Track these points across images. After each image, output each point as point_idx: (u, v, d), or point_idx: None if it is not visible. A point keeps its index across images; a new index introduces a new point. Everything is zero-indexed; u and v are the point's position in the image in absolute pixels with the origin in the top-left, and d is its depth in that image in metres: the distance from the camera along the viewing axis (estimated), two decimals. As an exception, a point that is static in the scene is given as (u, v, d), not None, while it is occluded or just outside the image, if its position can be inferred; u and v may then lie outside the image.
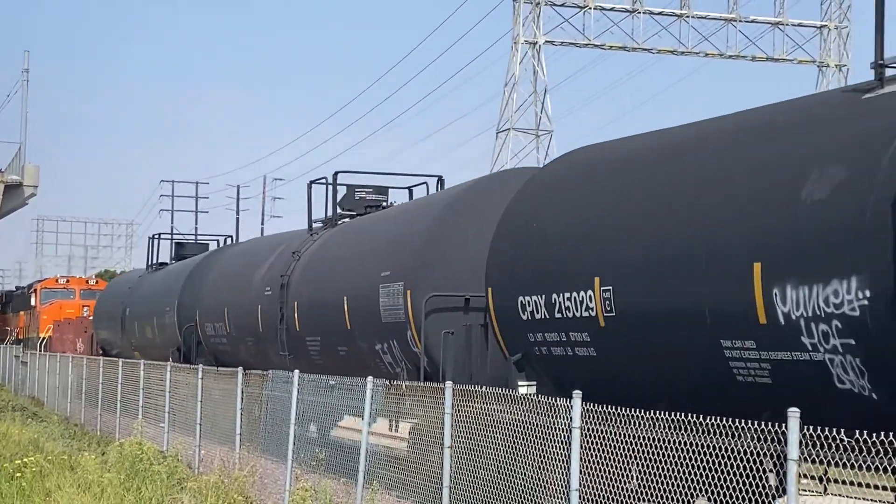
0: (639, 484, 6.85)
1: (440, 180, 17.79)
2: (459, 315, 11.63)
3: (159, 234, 37.97)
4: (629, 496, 6.68)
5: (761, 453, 5.59)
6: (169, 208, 79.76)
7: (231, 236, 36.55)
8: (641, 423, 6.12)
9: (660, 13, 50.64)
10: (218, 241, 36.12)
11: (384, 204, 18.27)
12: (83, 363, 26.55)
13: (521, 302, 9.40)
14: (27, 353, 43.37)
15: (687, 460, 5.90)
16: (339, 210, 18.70)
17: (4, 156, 38.75)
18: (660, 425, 5.91)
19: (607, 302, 7.93)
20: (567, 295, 8.54)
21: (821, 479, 6.72)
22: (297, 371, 12.76)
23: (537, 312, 9.13)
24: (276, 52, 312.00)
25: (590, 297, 8.18)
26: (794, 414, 4.00)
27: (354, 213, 18.31)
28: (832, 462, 4.83)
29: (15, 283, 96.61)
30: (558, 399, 7.00)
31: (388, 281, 12.95)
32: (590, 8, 49.58)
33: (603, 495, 6.71)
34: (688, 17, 49.78)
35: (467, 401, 8.33)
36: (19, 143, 38.97)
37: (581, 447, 6.58)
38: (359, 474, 10.22)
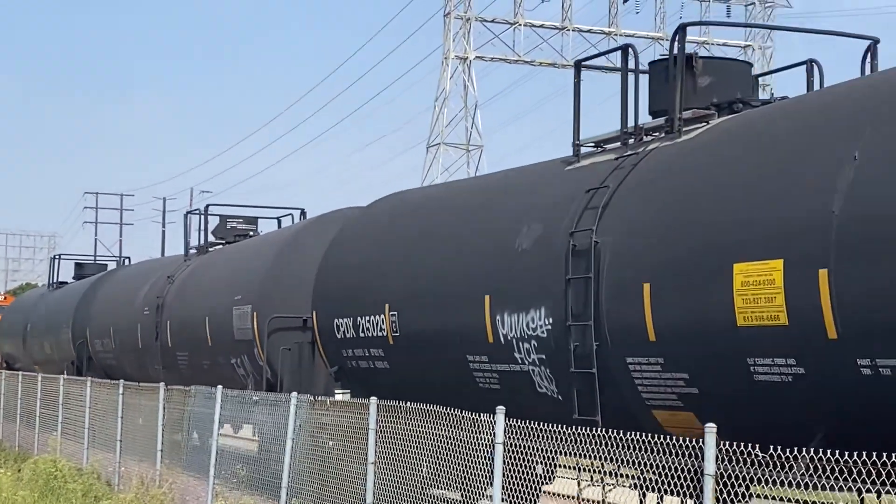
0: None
1: (303, 213, 19.22)
2: (298, 333, 13.29)
3: (60, 255, 38.40)
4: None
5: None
6: (93, 220, 76.31)
7: (128, 258, 36.80)
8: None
9: (588, 31, 50.34)
10: (118, 261, 36.98)
11: (251, 233, 19.52)
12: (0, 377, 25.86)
13: (337, 323, 11.02)
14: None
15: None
16: (212, 238, 19.80)
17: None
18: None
19: (394, 324, 9.66)
20: (367, 318, 10.20)
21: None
22: (219, 387, 12.33)
23: (348, 332, 10.78)
24: (203, 64, 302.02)
25: (382, 320, 9.87)
26: (710, 430, 3.91)
27: (224, 242, 19.63)
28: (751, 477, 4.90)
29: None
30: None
31: (239, 304, 14.69)
32: (520, 24, 49.23)
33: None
34: (615, 35, 49.04)
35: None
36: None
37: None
38: (282, 490, 9.85)
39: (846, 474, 3.68)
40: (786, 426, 5.14)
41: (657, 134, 7.66)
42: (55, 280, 35.13)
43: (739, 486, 4.88)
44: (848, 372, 4.22)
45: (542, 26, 49.71)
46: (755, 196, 5.39)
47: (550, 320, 7.24)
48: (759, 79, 12.64)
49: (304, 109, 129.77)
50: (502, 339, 8.01)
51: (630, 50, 8.05)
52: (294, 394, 10.22)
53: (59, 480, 13.26)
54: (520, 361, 7.88)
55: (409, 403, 7.94)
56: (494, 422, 6.19)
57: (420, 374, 9.81)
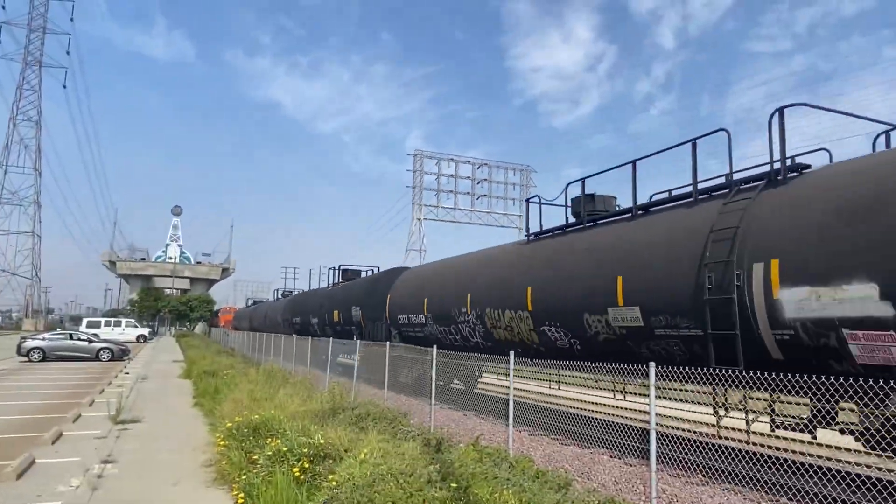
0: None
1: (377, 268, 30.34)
2: (380, 322, 25.23)
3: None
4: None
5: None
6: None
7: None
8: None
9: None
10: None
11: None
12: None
13: (399, 316, 22.87)
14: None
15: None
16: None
17: None
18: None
19: (428, 314, 21.63)
20: (413, 314, 22.15)
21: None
22: (331, 339, 20.34)
23: (404, 319, 22.54)
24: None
25: (422, 313, 21.85)
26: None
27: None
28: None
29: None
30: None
31: (354, 307, 26.49)
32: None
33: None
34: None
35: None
36: None
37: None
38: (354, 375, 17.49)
39: None
40: None
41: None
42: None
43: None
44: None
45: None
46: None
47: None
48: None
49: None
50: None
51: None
52: (359, 341, 18.65)
53: (273, 373, 19.38)
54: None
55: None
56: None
57: (444, 338, 19.25)
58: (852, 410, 7.28)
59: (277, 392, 13.58)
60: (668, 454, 9.02)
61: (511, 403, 9.90)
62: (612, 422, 11.29)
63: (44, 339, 33.29)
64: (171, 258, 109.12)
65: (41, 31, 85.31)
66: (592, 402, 17.03)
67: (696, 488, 8.04)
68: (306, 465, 6.87)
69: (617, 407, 16.72)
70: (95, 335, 37.91)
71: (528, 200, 15.40)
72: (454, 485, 5.21)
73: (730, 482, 8.17)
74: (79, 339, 33.49)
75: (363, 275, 30.02)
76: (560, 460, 9.58)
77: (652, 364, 6.90)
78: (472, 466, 6.23)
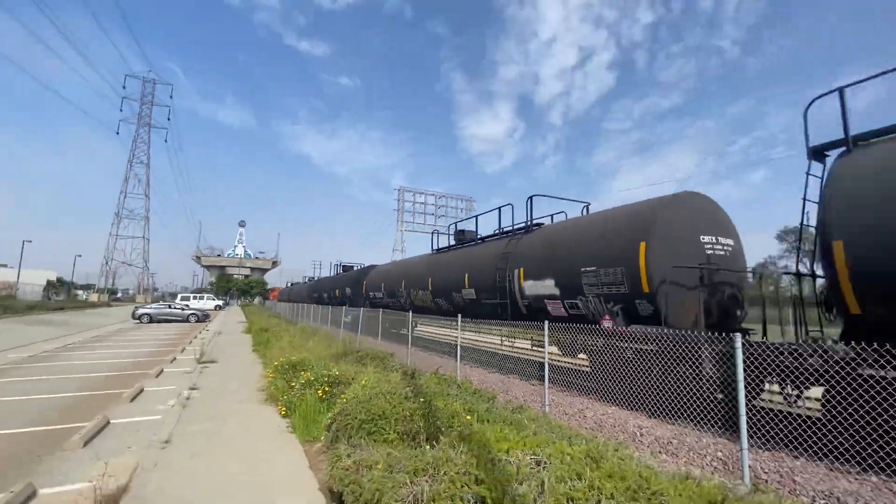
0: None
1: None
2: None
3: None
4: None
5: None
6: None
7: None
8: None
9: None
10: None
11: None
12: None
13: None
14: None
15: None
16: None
17: None
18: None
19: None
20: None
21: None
22: (344, 307, 19.65)
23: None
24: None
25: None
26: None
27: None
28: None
29: None
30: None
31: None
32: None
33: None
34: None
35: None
36: None
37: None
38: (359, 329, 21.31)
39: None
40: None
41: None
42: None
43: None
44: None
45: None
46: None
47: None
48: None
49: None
50: (434, 293, 20.07)
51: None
52: (362, 308, 21.67)
53: (304, 330, 17.96)
54: (438, 299, 19.91)
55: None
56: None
57: (391, 304, 21.26)
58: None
59: (307, 342, 13.28)
60: (529, 372, 10.32)
61: (459, 347, 9.94)
62: (520, 357, 11.59)
63: (150, 308, 31.82)
64: (237, 255, 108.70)
65: (150, 103, 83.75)
66: (501, 344, 17.21)
67: (566, 397, 8.24)
68: (327, 388, 6.77)
69: (517, 347, 16.89)
70: (186, 305, 36.41)
71: (433, 233, 17.94)
72: (422, 399, 5.21)
73: (563, 387, 8.42)
74: (175, 308, 32.11)
75: (354, 268, 31.32)
76: (488, 383, 9.66)
77: (546, 322, 7.06)
78: (434, 388, 6.25)
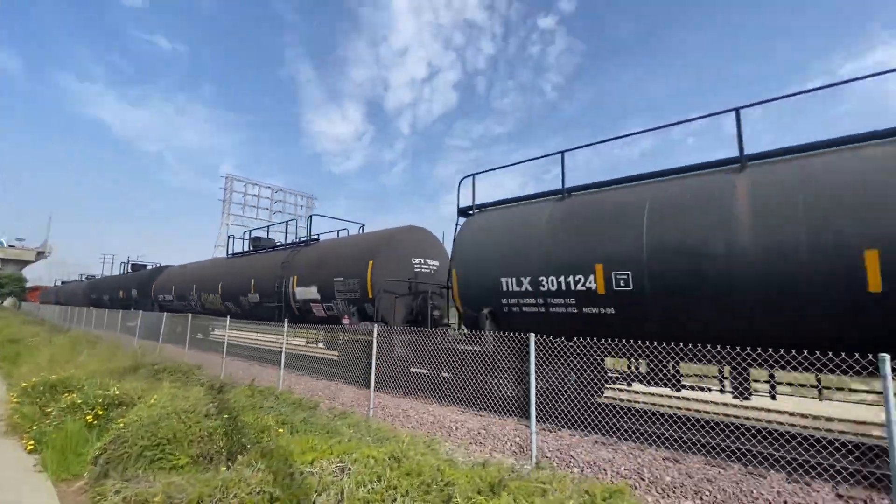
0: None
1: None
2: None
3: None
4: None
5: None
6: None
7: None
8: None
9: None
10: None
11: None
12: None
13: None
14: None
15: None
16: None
17: None
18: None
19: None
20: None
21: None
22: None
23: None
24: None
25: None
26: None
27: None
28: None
29: None
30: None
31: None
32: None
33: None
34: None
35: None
36: None
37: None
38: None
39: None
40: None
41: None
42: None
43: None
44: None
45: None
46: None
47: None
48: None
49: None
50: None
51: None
52: (155, 312, 18.75)
53: (78, 339, 14.08)
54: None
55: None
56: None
57: (182, 308, 18.93)
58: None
59: (79, 355, 10.61)
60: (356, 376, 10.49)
61: (283, 354, 9.27)
62: (344, 362, 11.45)
63: None
64: (-20, 241, 79.70)
65: None
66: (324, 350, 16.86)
67: (393, 398, 8.44)
68: (100, 412, 5.49)
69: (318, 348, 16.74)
70: None
71: (229, 237, 18.26)
72: (226, 416, 4.65)
73: (403, 392, 8.81)
74: None
75: (147, 267, 28.73)
76: (315, 390, 9.23)
77: (345, 318, 7.48)
78: (244, 401, 5.64)
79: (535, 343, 5.70)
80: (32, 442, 5.28)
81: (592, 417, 6.58)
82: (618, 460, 5.12)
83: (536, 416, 5.62)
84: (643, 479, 4.56)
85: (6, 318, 30.28)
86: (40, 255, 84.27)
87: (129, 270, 29.95)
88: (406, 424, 6.73)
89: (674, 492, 4.29)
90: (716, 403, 8.85)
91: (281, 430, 4.41)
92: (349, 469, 2.62)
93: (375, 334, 7.30)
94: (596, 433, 6.25)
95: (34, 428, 5.54)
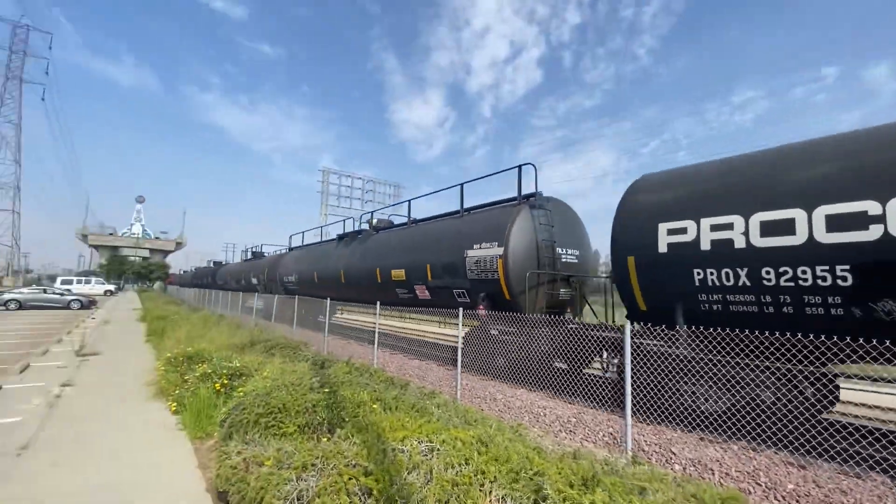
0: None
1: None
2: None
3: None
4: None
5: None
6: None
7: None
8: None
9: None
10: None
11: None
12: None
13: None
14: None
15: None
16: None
17: None
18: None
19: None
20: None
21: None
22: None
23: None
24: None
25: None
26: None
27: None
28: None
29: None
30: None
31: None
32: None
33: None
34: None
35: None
36: None
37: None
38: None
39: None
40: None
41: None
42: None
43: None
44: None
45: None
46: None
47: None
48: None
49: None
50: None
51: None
52: (276, 295, 20.66)
53: (208, 318, 16.34)
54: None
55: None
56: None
57: (306, 291, 20.52)
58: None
59: (209, 331, 12.30)
60: (446, 357, 10.13)
61: (377, 333, 9.83)
62: (438, 343, 11.73)
63: (20, 292, 27.42)
64: (135, 234, 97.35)
65: (22, 53, 70.70)
66: (424, 331, 17.39)
67: (480, 381, 8.52)
68: (225, 381, 6.31)
69: (440, 333, 17.18)
70: (68, 290, 31.90)
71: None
72: (328, 389, 5.05)
73: (491, 376, 8.79)
74: (53, 293, 28.02)
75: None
76: (407, 369, 9.67)
77: (460, 308, 7.19)
78: (343, 377, 6.09)
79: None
80: (175, 404, 6.25)
81: (701, 418, 5.96)
82: (727, 460, 4.62)
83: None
84: (759, 484, 4.06)
85: (154, 299, 36.26)
86: (179, 245, 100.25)
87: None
88: (493, 408, 6.76)
89: (798, 502, 3.76)
90: (854, 404, 7.59)
91: (375, 405, 4.69)
92: (437, 449, 2.68)
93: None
94: (701, 430, 5.70)
95: (176, 392, 6.54)
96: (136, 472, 4.31)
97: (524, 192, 9.14)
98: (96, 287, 49.45)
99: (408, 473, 2.37)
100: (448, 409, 5.15)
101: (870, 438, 5.41)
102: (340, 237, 16.01)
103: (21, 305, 26.04)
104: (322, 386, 5.15)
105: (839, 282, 4.32)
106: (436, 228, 10.73)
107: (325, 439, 3.30)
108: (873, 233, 4.07)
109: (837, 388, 5.03)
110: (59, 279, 49.60)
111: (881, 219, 4.04)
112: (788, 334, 4.57)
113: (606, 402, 6.64)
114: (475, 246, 8.89)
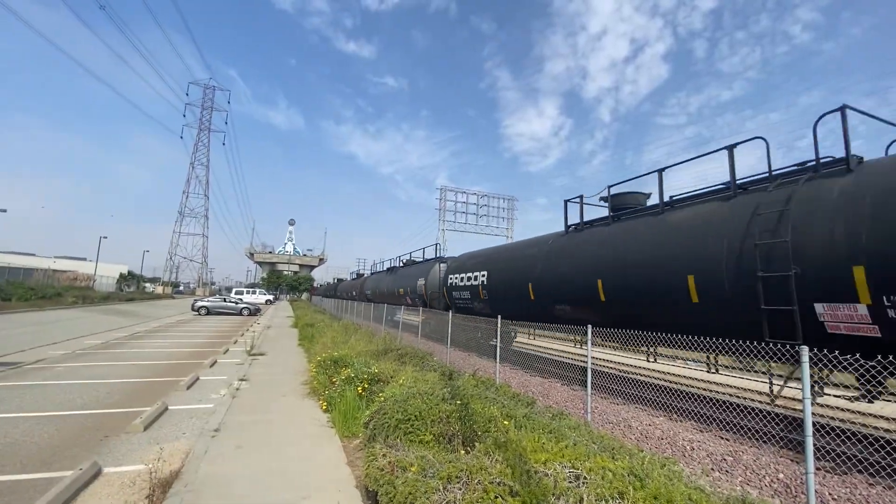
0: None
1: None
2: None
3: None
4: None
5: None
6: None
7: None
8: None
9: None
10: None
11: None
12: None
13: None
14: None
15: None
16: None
17: None
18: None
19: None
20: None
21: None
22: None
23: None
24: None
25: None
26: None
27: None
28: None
29: None
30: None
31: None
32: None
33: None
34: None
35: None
36: None
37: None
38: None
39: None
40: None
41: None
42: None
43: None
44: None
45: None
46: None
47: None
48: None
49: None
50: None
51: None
52: (420, 307, 21.79)
53: (347, 326, 18.17)
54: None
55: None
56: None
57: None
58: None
59: (349, 339, 13.58)
60: (599, 384, 9.08)
61: (497, 349, 9.80)
62: (562, 361, 11.24)
63: (207, 301, 33.72)
64: (287, 252, 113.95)
65: (210, 109, 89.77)
66: (551, 348, 16.82)
67: (610, 405, 7.89)
68: (366, 386, 6.86)
69: (566, 352, 16.49)
70: (240, 299, 38.37)
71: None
72: (459, 401, 5.16)
73: (636, 402, 8.02)
74: (229, 301, 33.90)
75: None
76: (529, 386, 9.46)
77: (589, 326, 6.79)
78: (471, 390, 6.18)
79: None
80: (325, 403, 6.98)
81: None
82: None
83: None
84: None
85: (303, 307, 41.51)
86: (321, 261, 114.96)
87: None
88: (629, 435, 6.20)
89: None
90: None
91: (506, 422, 4.65)
92: (585, 478, 2.52)
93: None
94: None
95: (325, 393, 7.32)
96: (299, 462, 4.89)
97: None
98: (259, 297, 58.57)
99: (555, 499, 2.26)
100: (581, 432, 4.86)
101: None
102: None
103: (209, 311, 32.03)
104: (453, 397, 5.28)
105: None
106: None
107: (463, 452, 3.36)
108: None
109: None
110: (233, 290, 60.03)
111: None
112: None
113: (772, 439, 5.61)
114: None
